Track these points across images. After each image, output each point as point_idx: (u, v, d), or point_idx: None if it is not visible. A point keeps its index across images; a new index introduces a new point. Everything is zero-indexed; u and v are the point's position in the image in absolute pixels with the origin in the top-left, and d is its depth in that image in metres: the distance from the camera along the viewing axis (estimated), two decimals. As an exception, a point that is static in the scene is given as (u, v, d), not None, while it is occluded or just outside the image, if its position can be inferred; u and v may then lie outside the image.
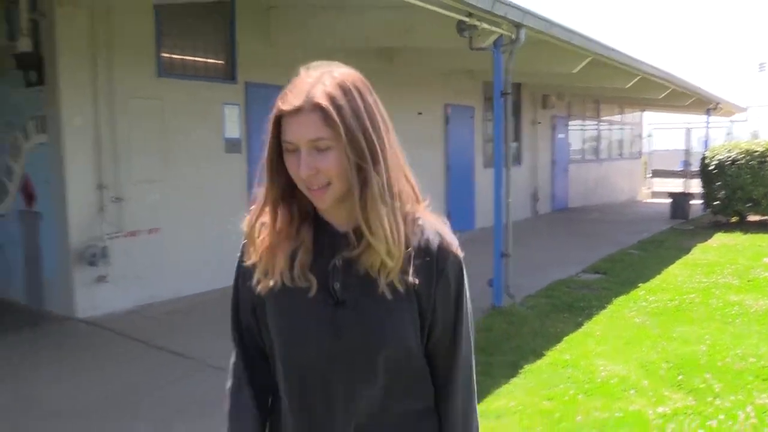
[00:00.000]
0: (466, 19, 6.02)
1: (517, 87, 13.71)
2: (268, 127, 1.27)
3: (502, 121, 6.74)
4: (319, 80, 1.25)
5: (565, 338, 5.60)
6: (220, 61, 7.50)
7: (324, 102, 1.22)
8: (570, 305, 6.72)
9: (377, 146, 1.26)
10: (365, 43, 7.94)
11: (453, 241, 1.34)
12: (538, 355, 5.15)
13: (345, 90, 1.25)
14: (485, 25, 6.25)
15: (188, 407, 4.18)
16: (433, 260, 1.29)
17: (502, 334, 5.75)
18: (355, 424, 1.31)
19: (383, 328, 1.28)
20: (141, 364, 5.06)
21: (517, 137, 14.18)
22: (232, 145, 7.46)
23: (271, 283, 1.33)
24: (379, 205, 1.25)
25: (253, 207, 1.36)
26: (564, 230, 12.99)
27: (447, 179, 11.55)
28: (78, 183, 6.04)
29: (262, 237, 1.34)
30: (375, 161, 1.25)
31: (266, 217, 1.34)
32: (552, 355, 5.17)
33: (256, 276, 1.35)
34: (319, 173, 1.24)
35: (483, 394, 4.36)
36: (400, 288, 1.27)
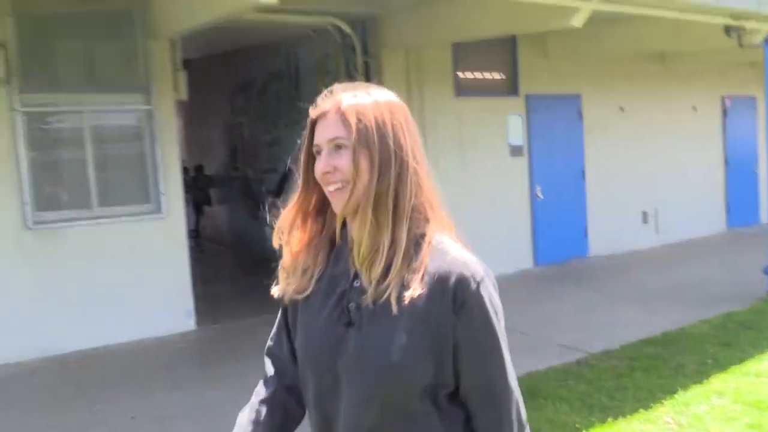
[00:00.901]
0: (733, 23, 6.48)
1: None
2: (305, 135, 1.34)
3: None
4: (353, 92, 1.31)
5: (842, 320, 5.81)
6: (504, 78, 8.77)
7: (345, 105, 1.28)
8: None
9: (392, 159, 1.27)
10: (637, 49, 8.60)
11: (478, 272, 1.28)
12: (808, 333, 5.51)
13: (375, 103, 1.30)
14: (753, 25, 6.61)
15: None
16: (449, 290, 1.25)
17: (774, 315, 6.13)
18: None
19: (378, 355, 1.24)
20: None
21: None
22: (515, 150, 8.71)
23: (293, 290, 1.36)
24: (368, 212, 1.26)
25: (285, 210, 1.38)
26: None
27: (725, 173, 11.49)
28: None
29: (292, 244, 1.37)
30: (382, 171, 1.27)
31: (298, 224, 1.37)
32: (823, 333, 5.49)
33: (281, 281, 1.38)
34: (336, 171, 1.28)
35: (745, 359, 4.98)
36: (408, 312, 1.24)
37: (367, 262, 1.27)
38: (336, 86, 1.33)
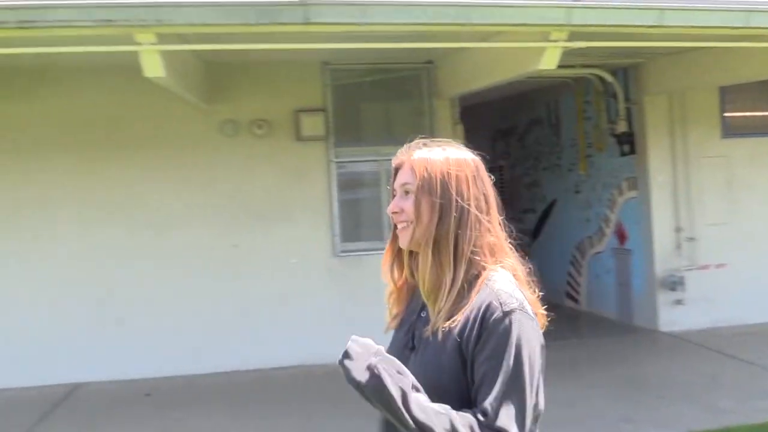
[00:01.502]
0: None
1: None
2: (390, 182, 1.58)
3: None
4: (428, 147, 1.53)
5: None
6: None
7: (416, 157, 1.50)
8: None
9: (452, 206, 1.45)
10: None
11: (508, 302, 1.39)
12: None
13: (444, 157, 1.49)
14: None
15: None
16: (478, 317, 1.38)
17: None
18: None
19: (427, 376, 1.40)
20: (714, 364, 6.47)
21: None
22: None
23: (390, 320, 1.63)
24: (429, 251, 1.45)
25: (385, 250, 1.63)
26: None
27: None
28: (660, 226, 7.87)
29: (393, 280, 1.62)
30: (442, 215, 1.45)
31: (396, 263, 1.61)
32: None
33: (388, 313, 1.64)
34: (402, 212, 1.49)
35: None
36: (448, 338, 1.40)
37: (432, 297, 1.47)
38: (417, 141, 1.56)
